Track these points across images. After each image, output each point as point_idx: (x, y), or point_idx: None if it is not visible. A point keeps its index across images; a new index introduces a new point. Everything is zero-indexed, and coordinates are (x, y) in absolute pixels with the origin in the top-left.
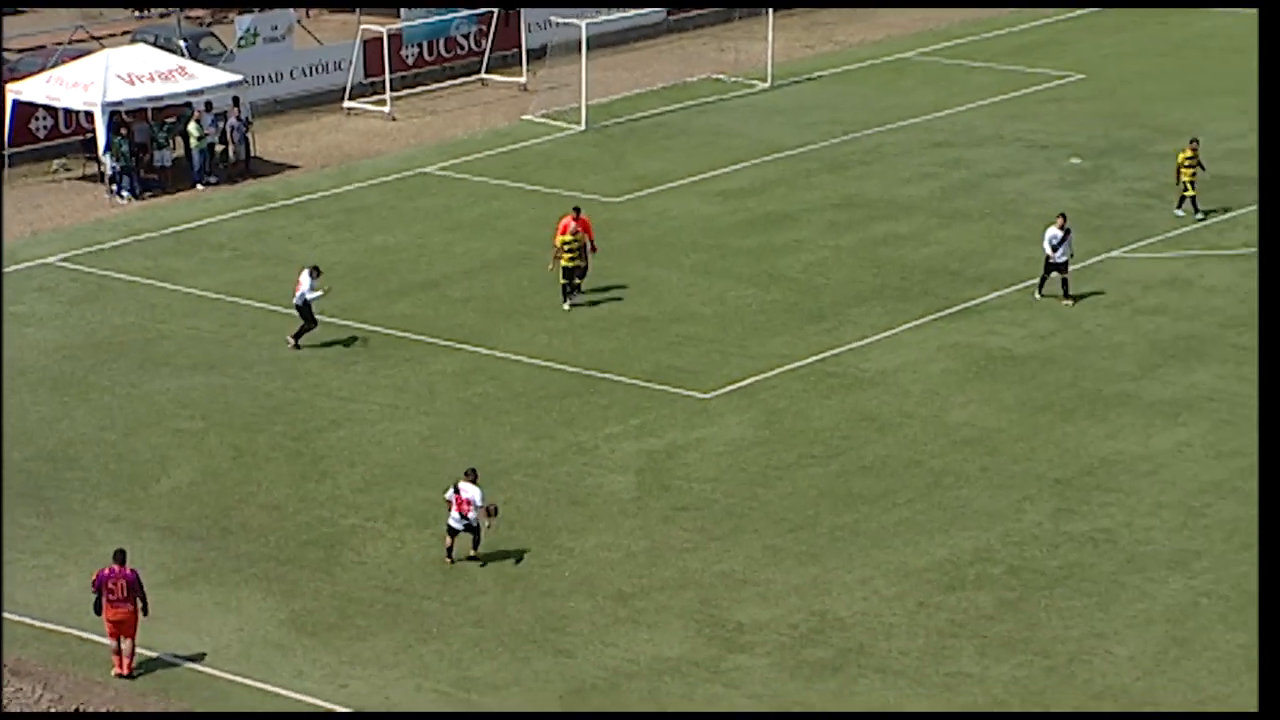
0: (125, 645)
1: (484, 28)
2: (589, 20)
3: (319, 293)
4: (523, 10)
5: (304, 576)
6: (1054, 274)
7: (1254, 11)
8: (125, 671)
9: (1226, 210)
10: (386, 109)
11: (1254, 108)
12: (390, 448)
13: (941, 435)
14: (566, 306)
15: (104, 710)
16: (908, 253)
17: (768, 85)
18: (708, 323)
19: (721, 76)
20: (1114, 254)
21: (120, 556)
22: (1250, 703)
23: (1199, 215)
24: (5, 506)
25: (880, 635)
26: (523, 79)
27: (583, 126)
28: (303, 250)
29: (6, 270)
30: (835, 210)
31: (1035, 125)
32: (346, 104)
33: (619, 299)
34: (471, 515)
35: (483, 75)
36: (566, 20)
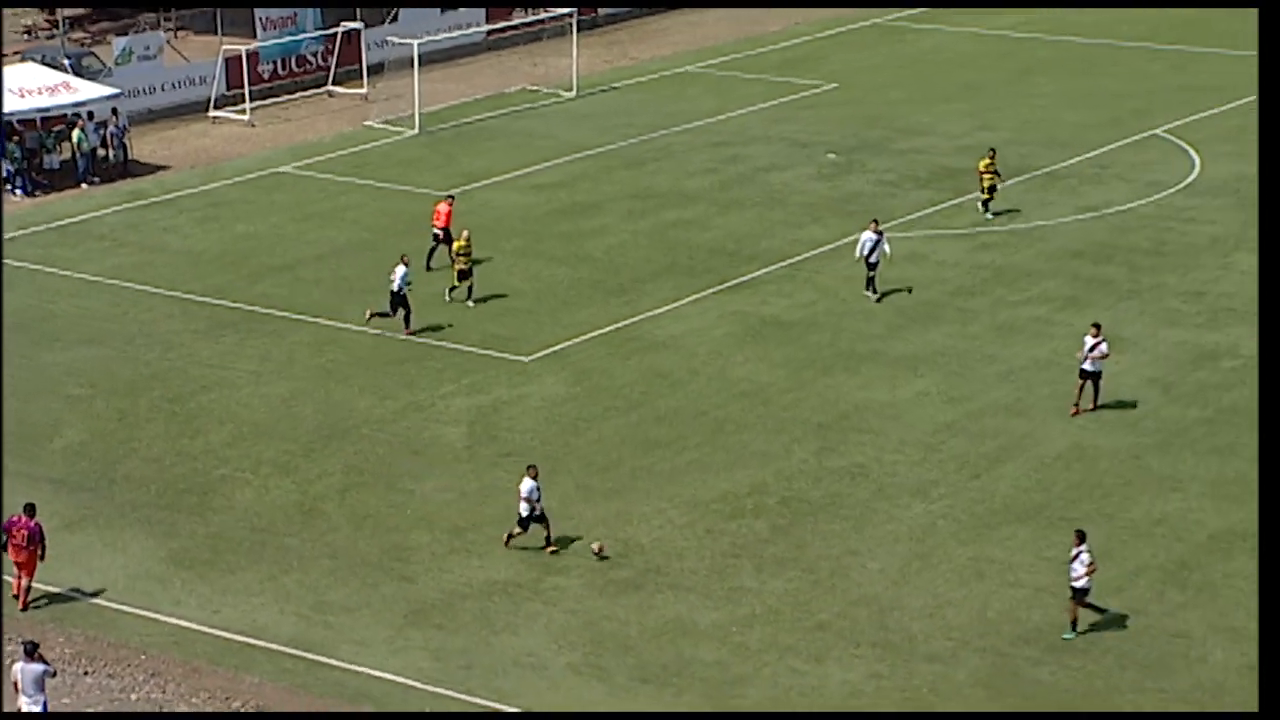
0: (24, 583)
1: (330, 46)
2: (419, 40)
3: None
4: (362, 32)
5: (181, 520)
6: (872, 273)
7: (974, 30)
8: (22, 606)
9: (958, 195)
10: (246, 117)
11: (978, 111)
12: (255, 408)
13: (723, 389)
14: (471, 304)
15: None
16: (693, 236)
17: (573, 94)
18: (526, 297)
19: (534, 87)
20: (864, 235)
21: (30, 509)
22: (980, 607)
23: (988, 215)
24: None
25: (674, 557)
26: (364, 90)
27: (416, 130)
28: (175, 239)
29: None
30: (632, 200)
31: (797, 127)
32: (211, 113)
33: (450, 279)
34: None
35: (329, 87)
36: (401, 41)
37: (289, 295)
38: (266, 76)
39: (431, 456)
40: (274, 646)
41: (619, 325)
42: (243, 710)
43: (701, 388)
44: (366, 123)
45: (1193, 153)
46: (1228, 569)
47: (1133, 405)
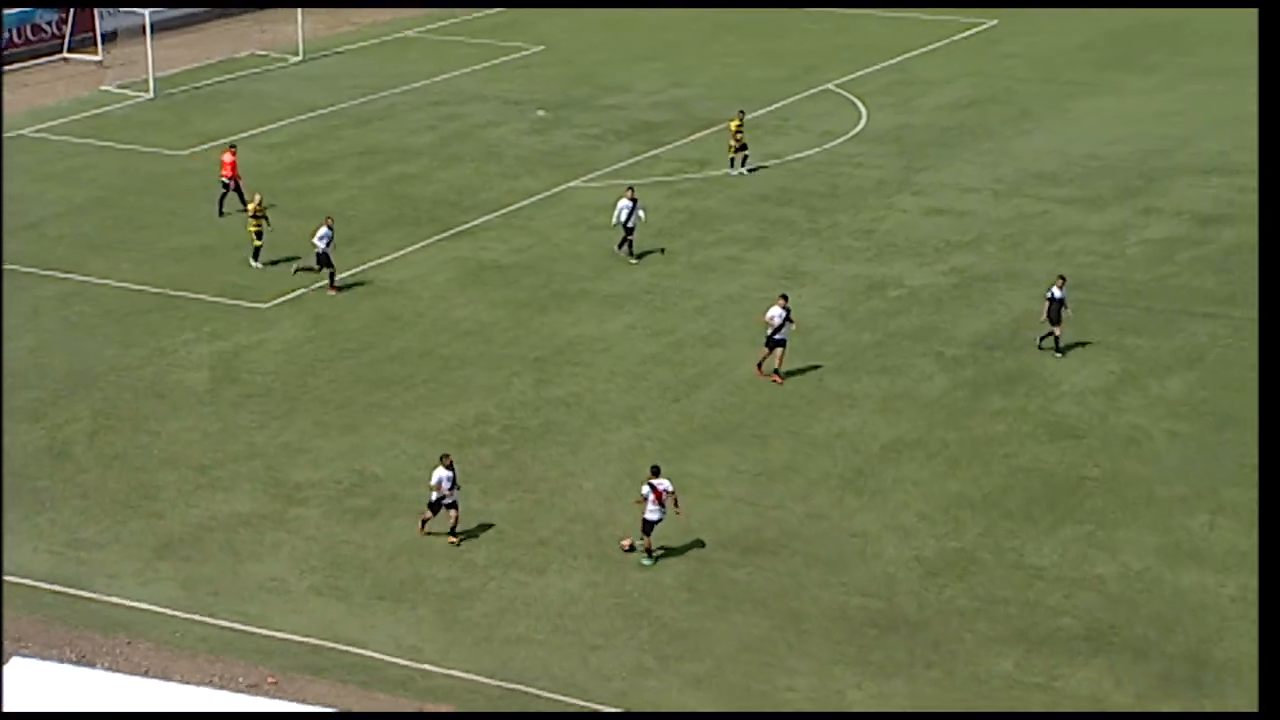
0: None
1: (64, 15)
2: (150, 10)
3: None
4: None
5: None
6: (629, 238)
7: None
8: None
9: (655, 147)
10: None
11: (672, 70)
12: (5, 360)
13: (448, 329)
14: (258, 265)
15: None
16: (417, 189)
17: (300, 59)
18: (263, 249)
19: (263, 52)
20: (573, 184)
21: None
22: (683, 517)
23: (736, 172)
24: None
25: (407, 485)
26: (99, 57)
27: (152, 94)
28: None
29: None
30: (359, 157)
31: (510, 86)
32: None
33: (190, 233)
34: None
35: (65, 55)
36: (133, 10)
37: (34, 252)
38: (3, 45)
39: (176, 400)
40: (30, 583)
41: (350, 273)
42: None
43: (428, 328)
44: (103, 87)
45: (859, 104)
46: (897, 475)
47: (814, 331)
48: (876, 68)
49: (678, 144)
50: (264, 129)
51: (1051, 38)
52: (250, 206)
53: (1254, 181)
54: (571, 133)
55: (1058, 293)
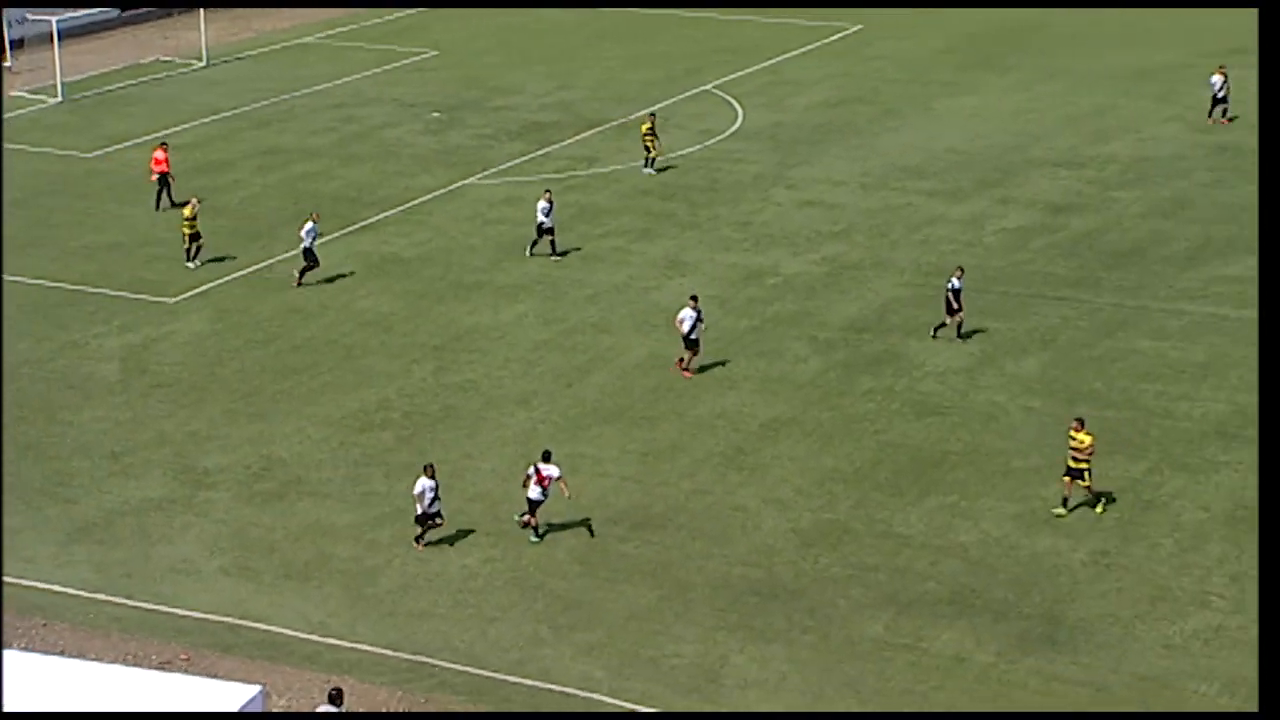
0: None
1: None
2: (58, 17)
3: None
4: (2, 9)
5: None
6: (546, 237)
7: None
8: None
9: (545, 145)
10: None
11: (558, 73)
12: None
13: (351, 320)
14: (192, 266)
15: None
16: (319, 186)
17: (204, 64)
18: (169, 245)
19: (167, 58)
20: (468, 181)
21: None
22: (575, 495)
23: (649, 170)
24: None
25: (312, 469)
26: (8, 63)
27: (60, 99)
28: None
29: None
30: (262, 157)
31: (406, 89)
32: None
33: (100, 231)
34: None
35: None
36: (40, 17)
37: None
38: None
39: (87, 390)
40: None
41: (256, 267)
42: None
43: (332, 319)
44: (13, 93)
45: (736, 104)
46: (775, 451)
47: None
48: (751, 69)
49: (566, 143)
50: (170, 131)
51: (915, 41)
52: (186, 210)
53: (1100, 174)
54: (465, 133)
55: (956, 283)
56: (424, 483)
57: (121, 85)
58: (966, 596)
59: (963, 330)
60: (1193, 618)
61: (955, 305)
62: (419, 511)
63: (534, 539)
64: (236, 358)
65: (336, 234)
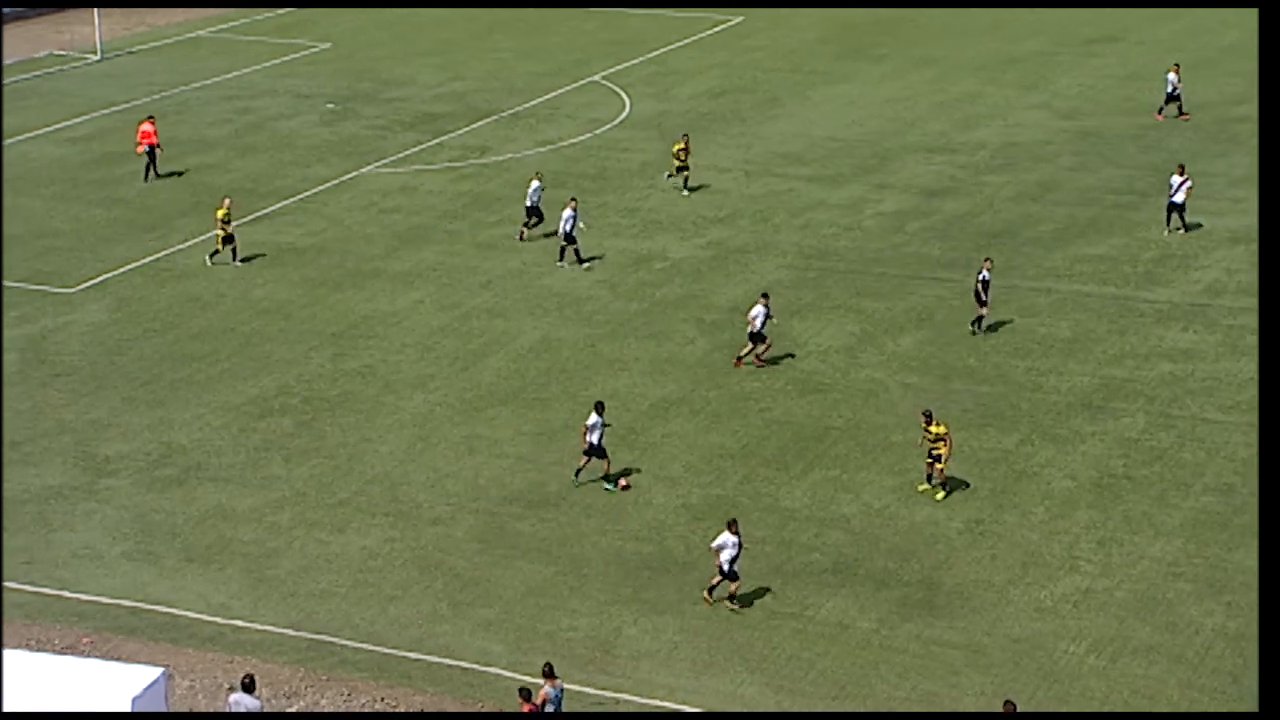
0: None
1: None
2: None
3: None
4: None
5: None
6: (534, 218)
7: None
8: None
9: (438, 136)
10: None
11: (450, 64)
12: None
13: (249, 308)
14: (238, 264)
15: None
16: (215, 178)
17: (99, 58)
18: (67, 237)
19: (61, 52)
20: (362, 171)
21: None
22: (473, 476)
23: (684, 191)
24: None
25: (212, 454)
26: None
27: None
28: None
29: None
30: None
31: (299, 81)
32: None
33: None
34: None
35: None
36: None
37: None
38: None
39: None
40: None
41: (154, 258)
42: None
43: (229, 308)
44: None
45: (623, 94)
46: (665, 430)
47: (588, 302)
48: (637, 61)
49: (459, 133)
50: (65, 124)
51: (793, 32)
52: (219, 213)
53: (971, 159)
54: (359, 124)
55: (986, 275)
56: (727, 537)
57: (15, 79)
58: (849, 566)
59: (983, 324)
60: (1062, 581)
61: (984, 297)
62: (724, 565)
63: (609, 487)
64: (135, 346)
65: (233, 224)
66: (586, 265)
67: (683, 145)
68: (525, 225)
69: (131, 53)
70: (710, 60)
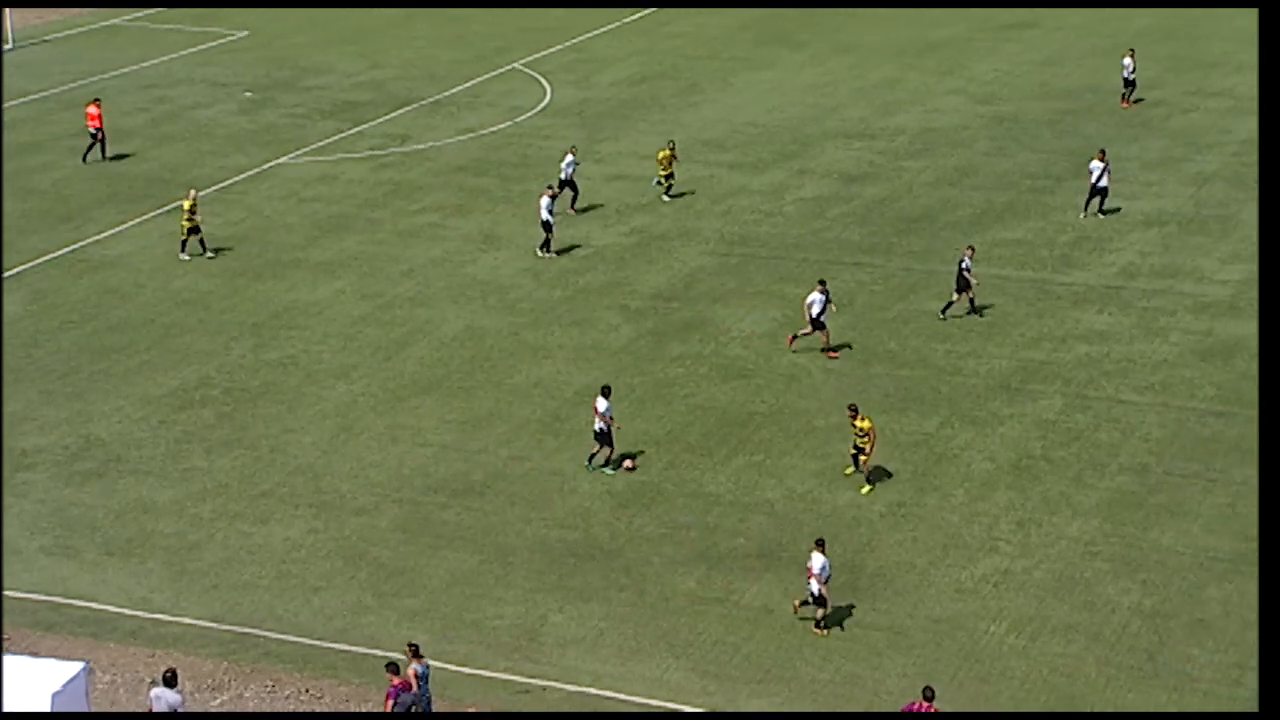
0: None
1: None
2: None
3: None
4: None
5: None
6: (571, 192)
7: None
8: None
9: (358, 124)
10: None
11: (368, 53)
12: None
13: (168, 299)
14: (185, 257)
15: None
16: (131, 167)
17: (10, 47)
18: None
19: None
20: (281, 160)
21: None
22: (397, 465)
23: (665, 197)
24: None
25: (132, 447)
26: None
27: None
28: None
29: None
30: (73, 139)
31: (218, 70)
32: None
33: None
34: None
35: None
36: None
37: None
38: None
39: None
40: None
41: (69, 249)
42: None
43: (148, 299)
44: None
45: (544, 82)
46: (590, 417)
47: (511, 290)
48: (558, 48)
49: (378, 121)
50: None
51: (713, 18)
52: (185, 203)
53: (890, 144)
54: (278, 112)
55: (967, 261)
56: (819, 558)
57: None
58: (774, 550)
59: (976, 305)
60: (982, 562)
61: (968, 281)
62: (814, 591)
63: (610, 470)
64: (53, 339)
65: (150, 215)
66: (548, 254)
67: (669, 152)
68: (572, 203)
69: (46, 41)
70: (631, 47)
